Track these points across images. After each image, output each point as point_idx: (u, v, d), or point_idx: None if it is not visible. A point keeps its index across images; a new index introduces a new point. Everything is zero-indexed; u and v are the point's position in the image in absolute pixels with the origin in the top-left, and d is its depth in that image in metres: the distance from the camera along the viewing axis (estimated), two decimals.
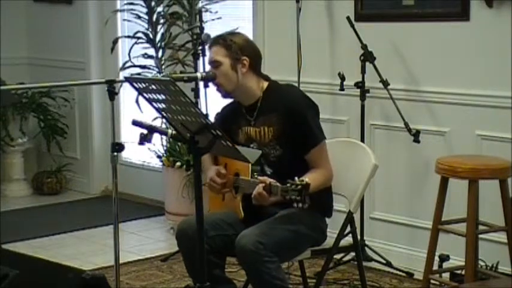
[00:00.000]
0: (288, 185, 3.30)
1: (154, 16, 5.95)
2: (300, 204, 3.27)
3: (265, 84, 3.78)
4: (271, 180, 3.44)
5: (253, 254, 3.43)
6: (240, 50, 3.70)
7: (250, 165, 3.61)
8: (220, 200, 3.85)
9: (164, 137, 5.63)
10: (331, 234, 3.80)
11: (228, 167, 3.78)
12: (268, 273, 3.45)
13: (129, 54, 5.94)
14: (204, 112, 5.01)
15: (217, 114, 4.03)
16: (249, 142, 3.75)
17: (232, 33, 3.87)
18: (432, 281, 4.33)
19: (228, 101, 3.91)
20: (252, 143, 3.75)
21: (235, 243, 3.50)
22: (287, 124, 3.65)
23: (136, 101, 5.75)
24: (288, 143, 3.67)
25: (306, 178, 3.31)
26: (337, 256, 4.73)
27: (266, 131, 3.71)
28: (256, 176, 3.58)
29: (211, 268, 3.62)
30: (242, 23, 5.76)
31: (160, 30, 5.97)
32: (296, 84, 4.88)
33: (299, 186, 3.26)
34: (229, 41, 3.71)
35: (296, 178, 3.29)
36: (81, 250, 5.51)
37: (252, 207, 3.66)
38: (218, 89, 3.77)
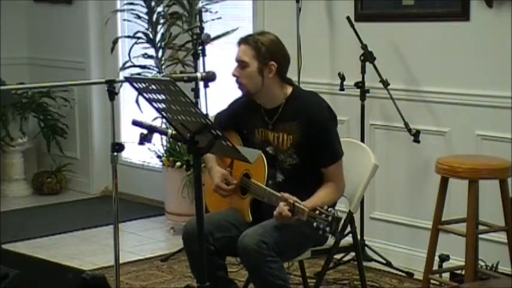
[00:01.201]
0: (317, 212, 3.28)
1: (154, 16, 5.95)
2: (329, 235, 3.30)
3: (289, 89, 3.72)
4: (294, 198, 3.41)
5: (256, 254, 3.43)
6: (270, 54, 3.63)
7: (266, 170, 3.59)
8: (220, 197, 3.84)
9: (164, 137, 5.63)
10: None
11: (234, 165, 3.76)
12: (270, 273, 3.45)
13: (129, 54, 5.94)
14: (204, 112, 5.01)
15: (218, 113, 3.99)
16: (265, 145, 3.72)
17: (263, 34, 3.75)
18: (432, 281, 4.33)
19: (229, 102, 3.89)
20: (268, 146, 3.71)
21: (237, 242, 3.50)
22: (308, 135, 3.61)
23: (136, 101, 5.75)
24: (305, 153, 3.64)
25: (331, 209, 3.30)
26: (337, 256, 4.73)
27: (285, 138, 3.67)
28: (270, 182, 3.55)
29: (216, 270, 3.62)
30: (242, 23, 5.77)
31: (160, 30, 5.97)
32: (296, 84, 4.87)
33: (329, 218, 3.25)
34: (259, 44, 3.63)
35: (326, 207, 3.28)
36: (81, 250, 5.51)
37: (259, 211, 3.65)
38: (240, 87, 3.71)
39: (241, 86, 3.69)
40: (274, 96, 3.70)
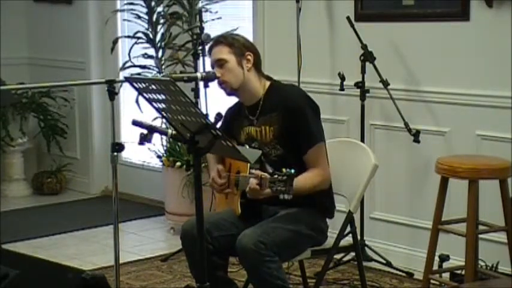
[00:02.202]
0: (275, 176, 3.31)
1: (154, 16, 5.95)
2: (286, 196, 3.29)
3: (267, 83, 3.80)
4: (262, 173, 3.44)
5: (254, 254, 3.43)
6: (244, 46, 3.74)
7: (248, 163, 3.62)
8: (224, 198, 3.86)
9: (164, 137, 5.63)
10: (331, 234, 3.80)
11: (232, 166, 3.79)
12: (269, 273, 3.45)
13: (129, 54, 5.94)
14: (204, 112, 5.01)
15: (217, 114, 4.00)
16: (250, 141, 3.76)
17: (231, 33, 3.92)
18: (432, 281, 4.33)
19: (230, 102, 3.91)
20: (253, 142, 3.75)
21: (236, 242, 3.50)
22: (287, 123, 3.66)
23: (136, 101, 5.75)
24: (287, 142, 3.68)
25: (293, 170, 3.31)
26: (337, 256, 4.73)
27: (267, 131, 3.71)
28: (253, 172, 3.58)
29: (215, 269, 3.63)
30: (242, 23, 5.77)
31: (160, 30, 5.97)
32: (296, 84, 4.88)
33: (284, 177, 3.27)
34: (230, 39, 3.75)
35: (283, 169, 3.30)
36: (81, 250, 5.51)
37: (251, 204, 3.66)
38: (222, 87, 3.76)
39: (223, 85, 3.75)
40: (255, 91, 3.76)
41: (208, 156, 3.86)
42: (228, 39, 3.75)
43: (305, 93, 3.80)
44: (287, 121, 3.66)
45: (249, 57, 3.73)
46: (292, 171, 3.30)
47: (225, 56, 3.71)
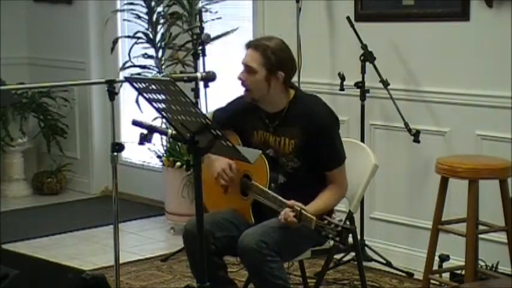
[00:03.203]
0: (325, 222, 3.31)
1: (154, 16, 5.95)
2: (340, 245, 3.31)
3: (291, 93, 3.70)
4: (300, 204, 3.43)
5: (255, 253, 3.43)
6: (278, 63, 3.60)
7: (268, 173, 3.59)
8: (218, 194, 3.82)
9: (164, 137, 5.63)
10: None
11: (238, 165, 3.76)
12: (270, 272, 3.45)
13: (129, 54, 5.94)
14: (204, 112, 5.01)
15: (217, 110, 3.97)
16: (265, 147, 3.70)
17: (271, 39, 3.68)
18: (432, 281, 4.33)
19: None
20: (269, 149, 3.71)
21: (238, 242, 3.50)
22: (310, 139, 3.61)
23: (136, 101, 5.75)
24: (306, 157, 3.64)
25: (340, 219, 3.34)
26: (337, 256, 4.73)
27: (287, 143, 3.67)
28: (273, 186, 3.56)
29: (216, 270, 3.63)
30: (242, 23, 5.77)
31: (160, 30, 5.97)
32: (296, 84, 4.87)
33: (339, 228, 3.27)
34: (269, 52, 3.58)
35: (334, 216, 3.33)
36: (81, 250, 5.51)
37: (261, 213, 3.65)
38: (245, 92, 3.69)
39: (246, 91, 3.68)
40: (277, 102, 3.69)
41: (209, 154, 3.82)
42: (267, 51, 3.58)
43: (328, 107, 3.71)
44: (311, 137, 3.60)
45: (280, 76, 3.61)
46: (348, 223, 3.38)
47: (256, 66, 3.60)
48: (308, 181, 3.62)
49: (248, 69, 3.63)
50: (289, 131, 3.66)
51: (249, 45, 3.66)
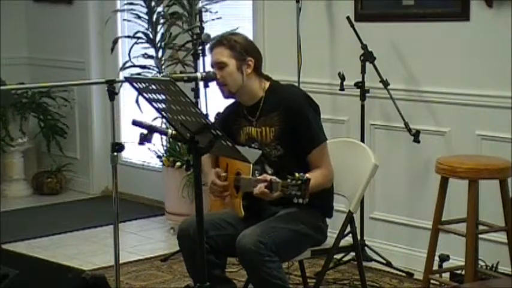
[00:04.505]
0: (288, 180, 3.31)
1: (154, 16, 5.95)
2: (301, 200, 3.28)
3: (267, 84, 3.78)
4: (272, 177, 3.45)
5: (254, 254, 3.43)
6: (245, 50, 3.71)
7: (251, 164, 3.61)
8: (221, 202, 3.85)
9: (164, 137, 5.63)
10: (331, 234, 3.81)
11: (229, 168, 3.78)
12: (269, 273, 3.45)
13: (129, 54, 5.94)
14: (204, 112, 5.01)
15: (217, 114, 4.03)
16: (250, 142, 3.75)
17: (234, 34, 3.88)
18: (432, 281, 4.33)
19: (229, 101, 3.91)
20: (254, 143, 3.75)
21: (236, 242, 3.50)
22: (288, 124, 3.66)
23: (136, 101, 5.75)
24: (288, 143, 3.67)
25: (307, 174, 3.31)
26: (337, 256, 4.73)
27: (267, 131, 3.71)
28: (256, 174, 3.58)
29: (212, 268, 3.62)
30: (242, 23, 5.76)
31: (160, 30, 5.97)
32: (296, 84, 4.88)
33: (299, 181, 3.27)
34: (233, 42, 3.71)
35: (296, 174, 3.30)
36: (81, 250, 5.51)
37: (253, 206, 3.66)
38: (221, 89, 3.76)
39: (222, 87, 3.74)
40: (254, 92, 3.75)
41: (203, 163, 3.82)
42: (230, 42, 3.70)
43: (304, 92, 3.80)
44: (288, 122, 3.66)
45: (249, 62, 3.70)
46: (307, 175, 3.30)
47: (225, 59, 3.69)
48: (294, 170, 3.59)
49: (219, 66, 3.71)
50: (269, 120, 3.71)
51: (213, 45, 3.76)
